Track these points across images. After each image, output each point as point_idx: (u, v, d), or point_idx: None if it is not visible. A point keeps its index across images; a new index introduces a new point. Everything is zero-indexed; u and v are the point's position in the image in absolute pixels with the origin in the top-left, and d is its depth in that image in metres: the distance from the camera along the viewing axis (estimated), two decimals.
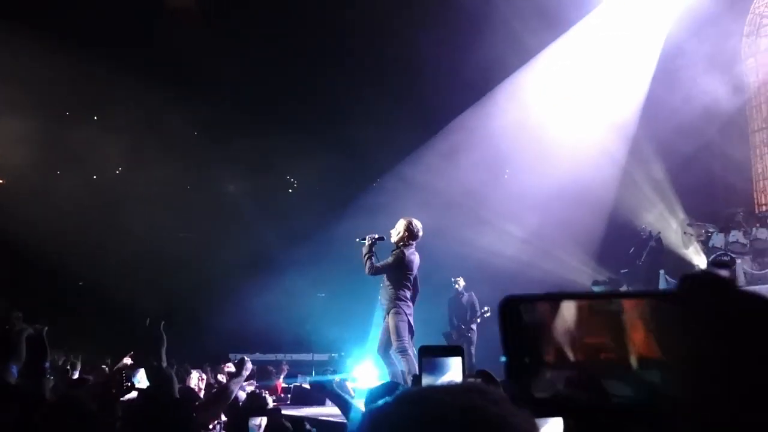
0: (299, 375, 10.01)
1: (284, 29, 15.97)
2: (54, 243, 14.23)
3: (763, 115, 16.41)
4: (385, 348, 7.79)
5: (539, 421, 0.97)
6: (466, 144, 15.40)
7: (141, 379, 4.78)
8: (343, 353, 14.10)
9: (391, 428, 0.72)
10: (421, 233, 7.97)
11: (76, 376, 7.47)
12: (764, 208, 15.59)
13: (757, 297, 0.61)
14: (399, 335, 7.52)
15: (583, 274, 15.18)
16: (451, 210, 14.02)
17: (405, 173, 16.09)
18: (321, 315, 12.78)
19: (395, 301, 7.65)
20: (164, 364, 3.67)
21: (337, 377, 9.39)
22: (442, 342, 12.28)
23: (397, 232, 7.91)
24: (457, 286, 12.89)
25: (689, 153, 15.22)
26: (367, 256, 7.80)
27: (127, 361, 8.59)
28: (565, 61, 15.50)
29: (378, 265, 7.79)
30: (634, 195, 15.37)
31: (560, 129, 14.62)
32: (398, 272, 7.75)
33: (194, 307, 15.65)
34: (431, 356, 1.90)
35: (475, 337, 12.62)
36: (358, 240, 8.01)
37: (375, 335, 9.21)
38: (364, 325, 10.66)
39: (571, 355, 0.75)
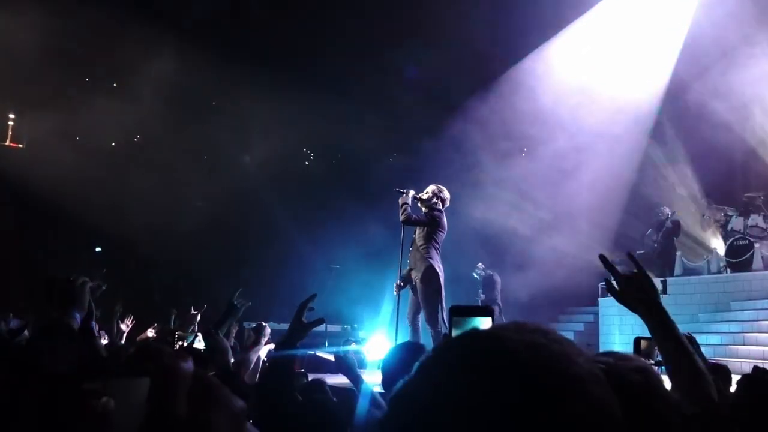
0: (312, 345, 10.05)
1: None
2: (70, 209, 14.34)
3: None
4: (414, 314, 7.70)
5: None
6: (484, 121, 15.29)
7: (200, 340, 4.84)
8: (356, 325, 14.17)
9: (459, 359, 0.74)
10: (448, 203, 7.96)
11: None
12: None
13: None
14: (431, 311, 7.42)
15: (598, 253, 15.10)
16: (466, 187, 13.95)
17: (422, 148, 16.04)
18: (335, 286, 12.84)
19: (430, 261, 7.51)
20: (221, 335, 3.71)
21: (354, 345, 9.39)
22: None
23: (428, 194, 7.84)
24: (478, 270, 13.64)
25: (710, 136, 15.05)
26: (405, 205, 7.63)
27: (150, 333, 8.68)
28: (588, 41, 15.30)
29: (415, 217, 7.64)
30: (654, 176, 15.25)
31: (580, 109, 14.45)
32: (433, 232, 7.66)
33: (208, 276, 15.76)
34: (461, 316, 1.88)
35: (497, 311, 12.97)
36: (396, 189, 7.85)
37: (387, 309, 9.18)
38: (378, 297, 10.70)
39: None
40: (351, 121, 16.58)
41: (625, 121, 14.37)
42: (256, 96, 15.39)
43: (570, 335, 15.25)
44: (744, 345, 11.09)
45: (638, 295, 2.03)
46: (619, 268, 2.22)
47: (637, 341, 2.45)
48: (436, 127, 15.96)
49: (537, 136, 14.93)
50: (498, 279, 13.37)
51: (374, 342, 9.65)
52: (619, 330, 13.55)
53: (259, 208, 16.83)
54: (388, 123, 16.73)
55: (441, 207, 7.83)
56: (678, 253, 14.11)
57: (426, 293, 7.47)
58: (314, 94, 15.57)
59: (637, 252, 15.14)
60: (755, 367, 4.07)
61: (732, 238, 13.26)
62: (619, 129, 14.25)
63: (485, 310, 2.01)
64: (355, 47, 15.88)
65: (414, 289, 7.71)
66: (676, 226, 14.49)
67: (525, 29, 14.58)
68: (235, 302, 3.84)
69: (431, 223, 7.66)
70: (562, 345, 0.75)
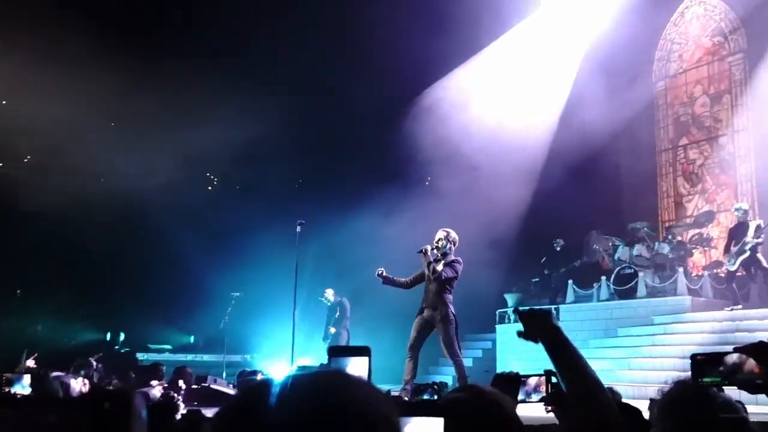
0: (209, 376, 9.81)
1: None
2: None
3: (669, 136, 17.29)
4: (416, 346, 8.35)
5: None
6: (388, 147, 15.51)
7: (26, 385, 4.54)
8: (255, 354, 13.92)
9: (256, 402, 0.80)
10: (458, 242, 8.69)
11: None
12: (667, 224, 16.46)
13: None
14: (452, 345, 8.20)
15: (495, 283, 15.48)
16: (365, 215, 14.04)
17: (325, 178, 16.10)
18: (235, 315, 12.59)
19: (449, 305, 8.28)
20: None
21: (260, 376, 9.23)
22: None
23: (444, 242, 8.52)
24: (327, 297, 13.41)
25: (600, 170, 15.89)
26: (441, 272, 8.31)
27: (30, 363, 8.26)
28: (483, 79, 15.87)
29: (445, 276, 8.28)
30: (547, 207, 15.83)
31: (478, 141, 14.87)
32: (455, 279, 8.45)
33: (106, 305, 15.12)
34: (339, 355, 1.94)
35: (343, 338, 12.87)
36: (420, 251, 8.53)
37: (285, 337, 9.23)
38: (279, 326, 10.59)
39: None
40: (255, 146, 16.42)
41: (518, 154, 14.87)
42: (160, 119, 15.03)
43: (468, 362, 15.51)
44: (629, 370, 11.64)
45: (537, 326, 2.17)
46: (517, 296, 2.43)
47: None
48: (342, 154, 16.05)
49: (437, 168, 15.25)
50: (348, 305, 13.22)
51: (275, 370, 9.57)
52: (516, 356, 13.93)
53: (158, 232, 16.29)
54: (293, 150, 16.68)
55: (454, 251, 8.58)
56: (570, 281, 14.72)
57: (447, 332, 8.22)
58: (219, 119, 15.36)
59: (533, 280, 15.72)
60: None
61: (618, 267, 14.03)
62: (514, 163, 14.73)
63: (361, 350, 2.09)
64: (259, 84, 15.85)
65: (427, 323, 8.38)
66: (562, 251, 15.26)
67: (413, 68, 14.97)
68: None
69: (455, 276, 8.41)
70: (361, 388, 0.82)
